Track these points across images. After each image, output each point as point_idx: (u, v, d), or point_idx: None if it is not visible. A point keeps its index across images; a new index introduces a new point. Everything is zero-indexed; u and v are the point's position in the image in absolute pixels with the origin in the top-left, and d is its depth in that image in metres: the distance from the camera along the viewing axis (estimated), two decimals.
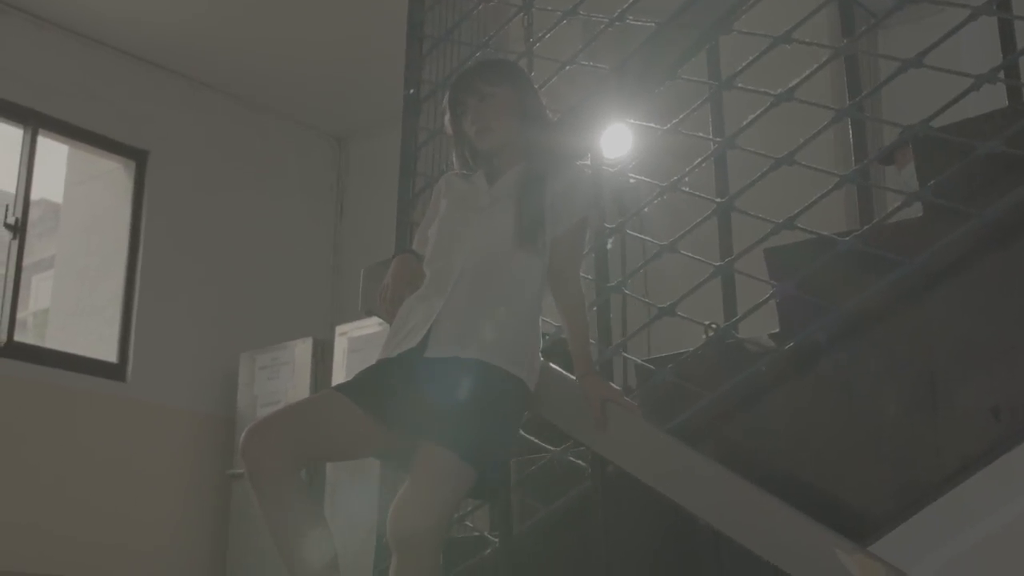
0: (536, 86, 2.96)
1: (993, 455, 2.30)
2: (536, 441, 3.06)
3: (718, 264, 2.74)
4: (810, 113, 2.73)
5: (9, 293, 6.68)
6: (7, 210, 6.78)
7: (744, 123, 2.75)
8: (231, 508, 7.03)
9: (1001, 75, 2.53)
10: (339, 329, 6.82)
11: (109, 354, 7.10)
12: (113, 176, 7.56)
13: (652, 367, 2.86)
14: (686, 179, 2.85)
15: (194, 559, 7.12)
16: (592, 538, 2.71)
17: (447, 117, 2.85)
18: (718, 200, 2.77)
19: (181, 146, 7.64)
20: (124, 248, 7.32)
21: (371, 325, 6.32)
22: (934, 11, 4.46)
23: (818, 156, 2.74)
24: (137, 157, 7.46)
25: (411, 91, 3.48)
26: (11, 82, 6.82)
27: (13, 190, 6.89)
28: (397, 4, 3.79)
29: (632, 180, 3.11)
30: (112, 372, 7.03)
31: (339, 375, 6.57)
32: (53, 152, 7.54)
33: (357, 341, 6.58)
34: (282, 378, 7.01)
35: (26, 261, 6.90)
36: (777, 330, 2.74)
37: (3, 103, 6.82)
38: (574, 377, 2.67)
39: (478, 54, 3.40)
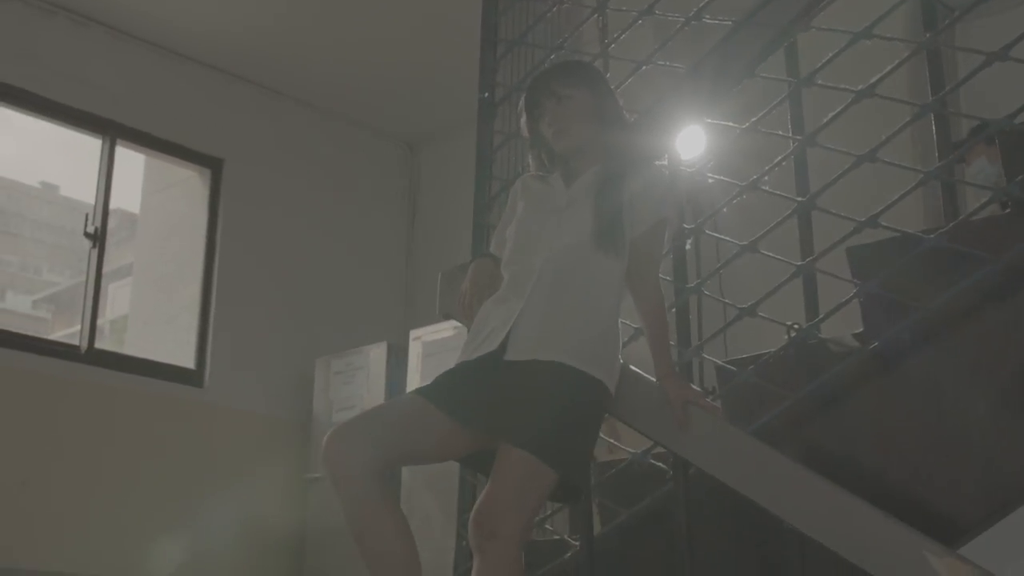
0: (612, 87, 2.94)
1: None
2: (615, 443, 3.04)
3: (799, 264, 2.70)
4: (885, 112, 2.69)
5: (90, 301, 6.79)
6: (87, 219, 6.88)
7: (825, 119, 2.72)
8: (308, 512, 7.08)
9: None
10: (413, 333, 6.84)
11: (187, 360, 7.18)
12: (189, 184, 7.66)
13: (733, 368, 2.83)
14: (765, 178, 2.82)
15: (271, 563, 7.17)
16: (674, 541, 2.69)
17: (523, 119, 2.85)
18: (799, 199, 2.73)
19: (255, 153, 7.72)
20: (200, 255, 7.41)
21: (445, 329, 6.34)
22: (1014, 3, 4.40)
23: (895, 154, 2.70)
24: (212, 165, 7.55)
25: (486, 95, 3.48)
26: (90, 93, 6.93)
27: (91, 200, 7.00)
28: (470, 9, 3.80)
29: (710, 180, 3.08)
30: (189, 378, 7.12)
31: (414, 379, 6.59)
32: (130, 162, 7.65)
33: (431, 345, 6.60)
34: (357, 383, 7.04)
35: (104, 269, 6.99)
36: (860, 330, 2.70)
37: (83, 114, 6.94)
38: (654, 379, 2.65)
39: (553, 56, 3.39)
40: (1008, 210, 2.53)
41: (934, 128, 2.67)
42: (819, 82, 2.77)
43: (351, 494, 2.43)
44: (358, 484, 2.42)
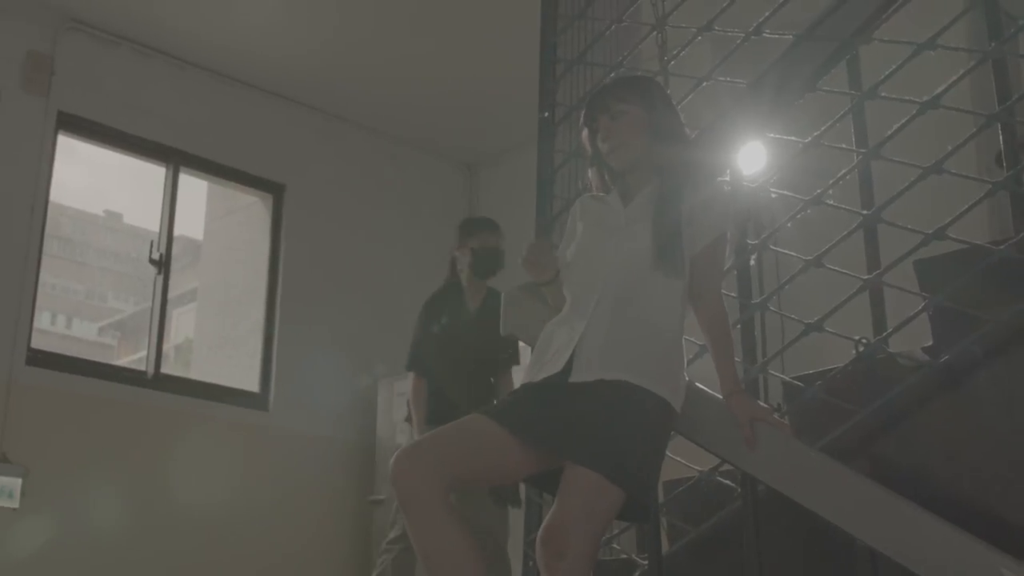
0: (671, 102, 2.93)
1: None
2: (683, 462, 3.02)
3: (866, 277, 2.68)
4: (946, 125, 2.67)
5: (155, 326, 6.87)
6: (151, 246, 6.97)
7: (890, 131, 2.69)
8: (372, 534, 7.09)
9: None
10: None
11: (251, 384, 7.25)
12: (251, 210, 7.75)
13: (801, 384, 2.81)
14: (830, 192, 2.80)
15: None
16: (743, 559, 2.67)
17: (584, 134, 2.86)
18: (864, 212, 2.71)
19: (316, 178, 7.79)
20: (263, 280, 7.49)
21: None
22: None
23: (959, 166, 2.67)
24: (274, 191, 7.63)
25: (546, 114, 3.48)
26: (154, 122, 7.04)
27: (155, 227, 7.09)
28: (528, 29, 3.81)
29: (774, 195, 3.07)
30: (254, 401, 7.19)
31: None
32: (193, 188, 7.75)
33: None
34: None
35: (169, 295, 7.08)
36: (929, 343, 2.67)
37: (146, 143, 7.05)
38: (720, 396, 2.63)
39: (612, 75, 3.39)
40: None
41: (1001, 138, 2.63)
42: (883, 94, 2.75)
43: (419, 514, 2.43)
44: (426, 504, 2.42)
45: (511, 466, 2.61)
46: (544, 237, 2.91)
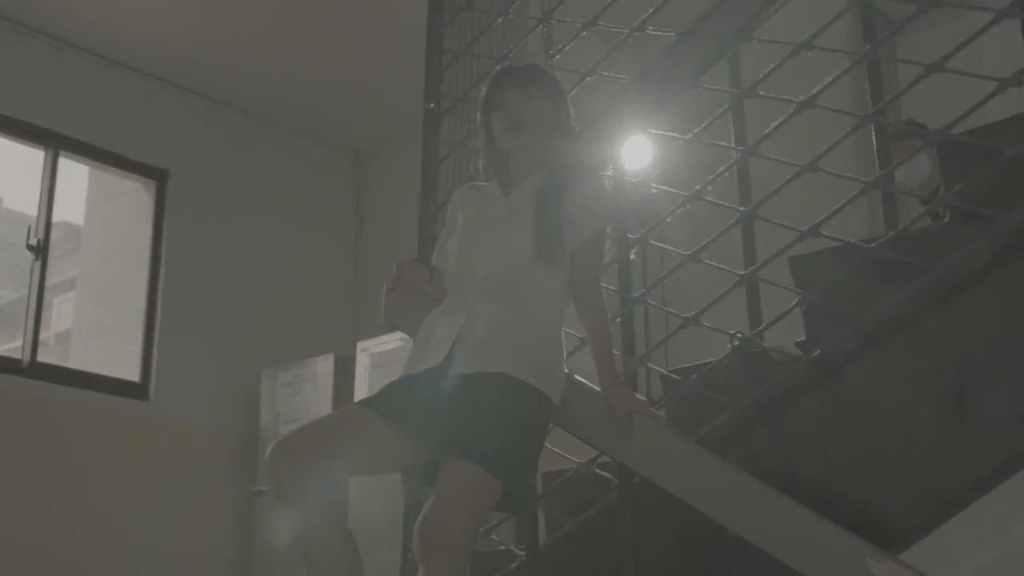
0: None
1: (1022, 460, 2.28)
2: (562, 453, 3.04)
3: (742, 273, 2.72)
4: (828, 123, 2.72)
5: (32, 314, 6.71)
6: (29, 232, 6.80)
7: (767, 130, 2.74)
8: (254, 525, 7.03)
9: None
10: (360, 345, 6.82)
11: (131, 373, 7.11)
12: (133, 196, 7.60)
13: (678, 378, 2.84)
14: (709, 188, 2.84)
15: None
16: (619, 550, 2.70)
17: (479, 115, 2.84)
18: (741, 209, 2.76)
19: (201, 165, 7.67)
20: (145, 267, 7.35)
21: (392, 341, 6.33)
22: (952, 17, 4.45)
23: (838, 165, 2.73)
24: (157, 177, 7.49)
25: (431, 105, 3.48)
26: (32, 104, 6.86)
27: (35, 212, 6.93)
28: (414, 19, 3.80)
29: (654, 191, 3.10)
30: (134, 391, 7.05)
31: (361, 391, 6.57)
32: (74, 173, 7.57)
33: (379, 357, 6.59)
34: (304, 395, 7.01)
35: (48, 282, 6.92)
36: (802, 338, 2.73)
37: (25, 125, 6.86)
38: (599, 389, 2.66)
39: (497, 67, 3.39)
40: (946, 220, 2.57)
41: (874, 139, 2.69)
42: (761, 93, 2.79)
43: (295, 506, 2.41)
44: (302, 496, 2.41)
45: (390, 457, 2.60)
46: (417, 259, 2.89)
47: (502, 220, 2.73)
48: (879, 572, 2.15)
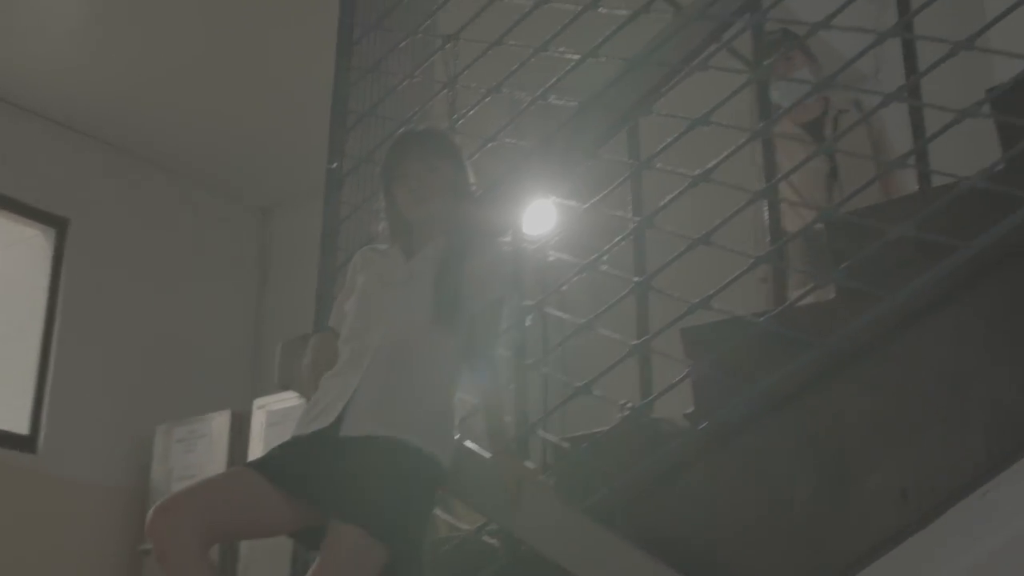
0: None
1: (901, 536, 2.31)
2: (451, 520, 3.02)
3: (634, 343, 2.74)
4: (726, 195, 2.75)
5: None
6: None
7: (661, 204, 2.78)
8: None
9: (912, 161, 2.59)
10: (258, 402, 6.75)
11: (20, 426, 6.94)
12: (32, 243, 7.46)
13: (567, 446, 2.85)
14: (605, 257, 2.86)
15: None
16: None
17: (380, 179, 2.84)
18: (635, 279, 2.78)
19: (103, 215, 7.57)
20: (40, 316, 7.20)
21: (290, 398, 6.24)
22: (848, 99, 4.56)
23: (740, 234, 2.77)
24: (57, 224, 7.38)
25: (334, 164, 3.47)
26: None
27: None
28: (322, 78, 3.80)
29: (552, 258, 3.12)
30: (22, 444, 6.89)
31: (256, 448, 6.49)
32: None
33: (276, 414, 6.52)
34: (198, 451, 6.91)
35: None
36: (692, 410, 2.75)
37: None
38: (489, 455, 2.65)
39: (402, 129, 3.40)
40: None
41: (766, 215, 2.74)
42: (658, 166, 2.83)
43: (175, 569, 2.36)
44: (182, 559, 2.36)
45: (275, 520, 2.57)
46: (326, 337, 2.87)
47: (402, 283, 2.73)
48: None
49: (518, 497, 2.55)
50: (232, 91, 7.02)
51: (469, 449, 2.70)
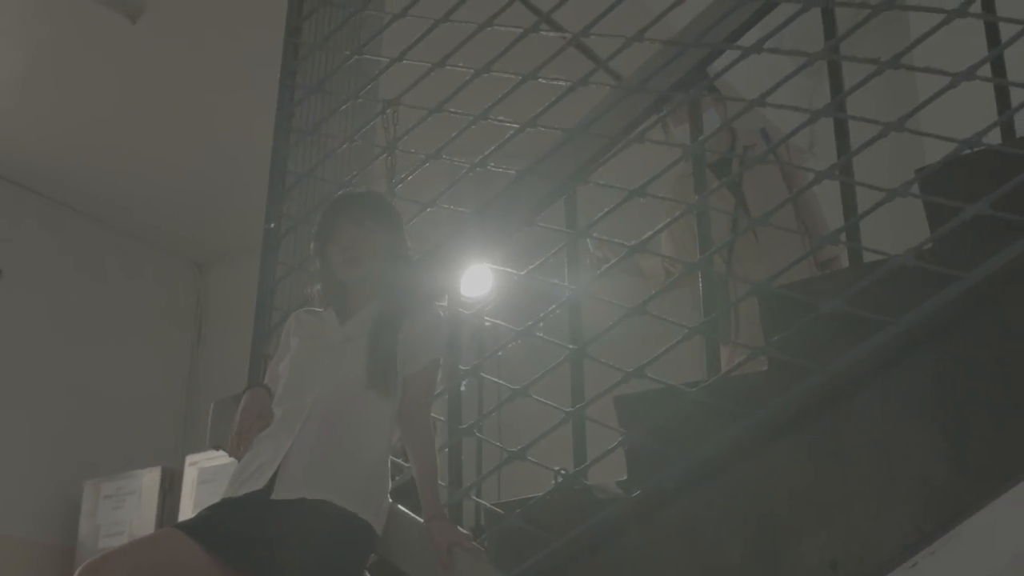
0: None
1: None
2: None
3: (568, 410, 2.76)
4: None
5: None
6: None
7: (597, 273, 2.81)
8: None
9: (843, 238, 2.64)
10: (189, 459, 6.68)
11: None
12: None
13: (500, 511, 2.85)
14: (541, 324, 2.88)
15: None
16: None
17: (314, 242, 2.85)
18: (570, 347, 2.80)
19: (34, 265, 7.49)
20: None
21: (222, 456, 6.10)
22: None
23: (676, 302, 2.80)
24: None
25: (271, 225, 3.47)
26: None
27: None
28: (261, 136, 3.81)
29: (488, 323, 3.14)
30: None
31: (187, 506, 6.42)
32: None
33: (207, 472, 6.45)
34: (128, 508, 6.81)
35: None
36: (625, 477, 2.76)
37: None
38: (422, 520, 2.65)
39: (340, 192, 3.41)
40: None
41: (700, 286, 2.78)
42: (594, 235, 2.87)
43: None
44: None
45: None
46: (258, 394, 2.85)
47: (336, 347, 2.73)
48: None
49: (450, 562, 2.55)
50: (170, 145, 7.00)
51: (401, 513, 2.70)
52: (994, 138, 2.46)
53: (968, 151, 2.37)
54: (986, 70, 2.53)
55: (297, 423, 2.62)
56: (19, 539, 6.96)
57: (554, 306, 2.86)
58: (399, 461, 2.84)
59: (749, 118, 4.00)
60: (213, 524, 2.54)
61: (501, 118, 3.09)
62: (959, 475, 2.27)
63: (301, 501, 2.52)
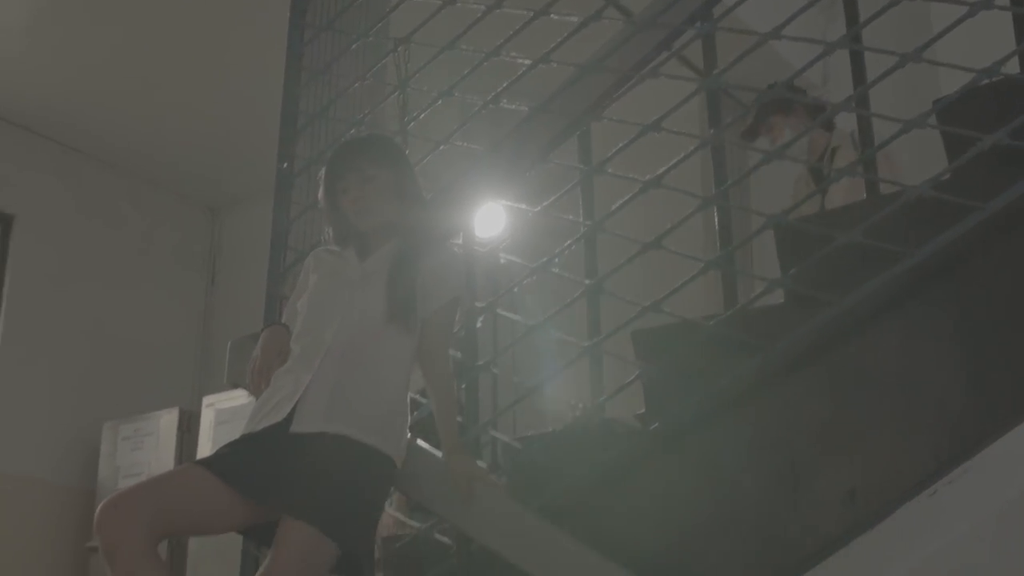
0: (412, 164, 2.98)
1: (850, 536, 2.35)
2: (402, 518, 3.04)
3: (586, 344, 2.77)
4: (677, 200, 2.79)
5: None
6: None
7: (612, 208, 2.80)
8: None
9: (860, 170, 2.63)
10: (206, 400, 6.73)
11: None
12: None
13: (519, 446, 2.87)
14: (556, 260, 2.88)
15: None
16: None
17: (322, 190, 2.85)
18: (586, 282, 2.81)
19: (49, 211, 7.51)
20: None
21: (239, 397, 6.24)
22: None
23: (690, 238, 2.80)
24: (2, 221, 7.31)
25: (284, 165, 3.47)
26: None
27: None
28: (273, 78, 3.79)
29: (503, 260, 3.14)
30: None
31: (205, 447, 6.47)
32: None
33: (224, 413, 6.49)
34: (146, 449, 6.87)
35: None
36: (643, 411, 2.78)
37: None
38: (441, 454, 2.67)
39: (353, 131, 3.41)
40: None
41: (716, 220, 2.77)
42: (608, 171, 2.86)
43: (123, 565, 2.35)
44: (130, 555, 2.34)
45: (224, 516, 2.56)
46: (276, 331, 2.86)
47: (355, 283, 2.74)
48: None
49: (469, 495, 2.57)
50: (183, 90, 6.98)
51: (421, 448, 2.71)
52: (1012, 68, 2.45)
53: (986, 81, 2.35)
54: None
55: (317, 358, 2.63)
56: (41, 481, 7.04)
57: (570, 241, 2.86)
58: (417, 397, 2.85)
59: (842, 120, 4.23)
60: (232, 459, 2.56)
61: (513, 54, 3.07)
62: (978, 404, 2.27)
63: (321, 435, 2.54)
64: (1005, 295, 2.31)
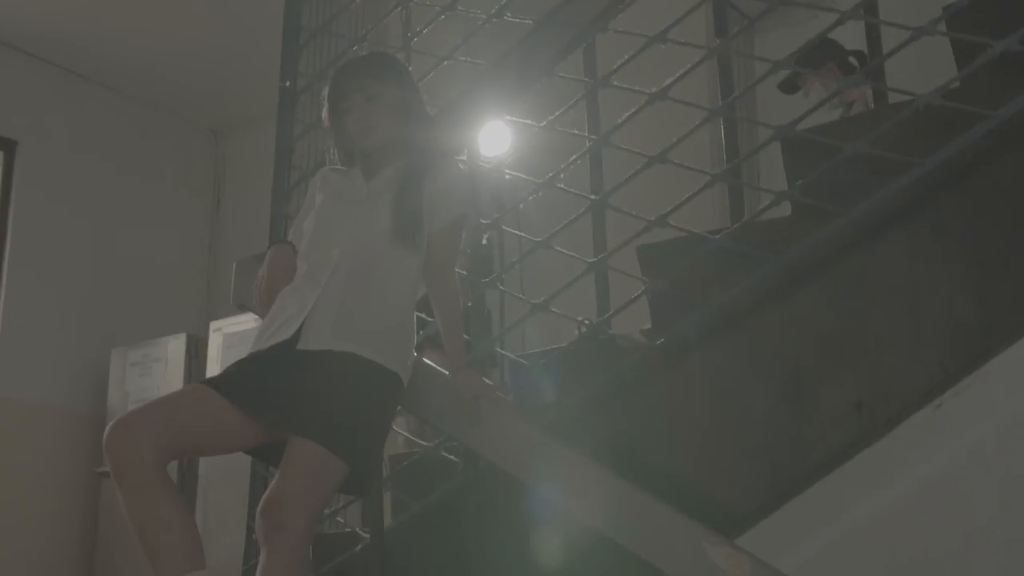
0: (416, 81, 2.94)
1: (856, 449, 2.35)
2: (409, 436, 3.05)
3: (591, 260, 2.76)
4: (689, 112, 2.76)
5: None
6: None
7: (619, 121, 2.77)
8: (100, 508, 6.89)
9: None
10: (214, 325, 6.73)
11: None
12: None
13: (525, 363, 2.87)
14: (562, 176, 2.86)
15: (61, 560, 6.96)
16: (464, 533, 2.71)
17: (326, 110, 2.82)
18: (592, 197, 2.79)
19: (53, 137, 7.47)
20: None
21: (246, 321, 6.25)
22: (809, 17, 4.57)
23: (695, 155, 2.77)
24: (5, 147, 7.27)
25: (287, 83, 3.44)
26: None
27: None
28: None
29: (508, 176, 3.12)
30: None
31: (213, 371, 6.48)
32: None
33: (232, 337, 6.50)
34: (154, 374, 6.89)
35: None
36: (649, 326, 2.77)
37: None
38: (448, 372, 2.66)
39: (355, 48, 3.37)
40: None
41: (723, 132, 2.75)
42: (614, 83, 2.82)
43: (132, 485, 2.35)
44: (139, 475, 2.34)
45: (233, 436, 2.55)
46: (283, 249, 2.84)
47: (362, 202, 2.72)
48: (715, 556, 2.20)
49: (476, 412, 2.57)
50: (183, 11, 6.91)
51: (427, 365, 2.71)
52: None
53: None
54: None
55: (324, 276, 2.62)
56: (51, 407, 7.07)
57: (575, 156, 2.83)
58: (423, 316, 2.84)
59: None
60: (240, 378, 2.56)
61: None
62: (984, 316, 2.26)
63: (328, 353, 2.53)
64: (1012, 206, 2.29)
